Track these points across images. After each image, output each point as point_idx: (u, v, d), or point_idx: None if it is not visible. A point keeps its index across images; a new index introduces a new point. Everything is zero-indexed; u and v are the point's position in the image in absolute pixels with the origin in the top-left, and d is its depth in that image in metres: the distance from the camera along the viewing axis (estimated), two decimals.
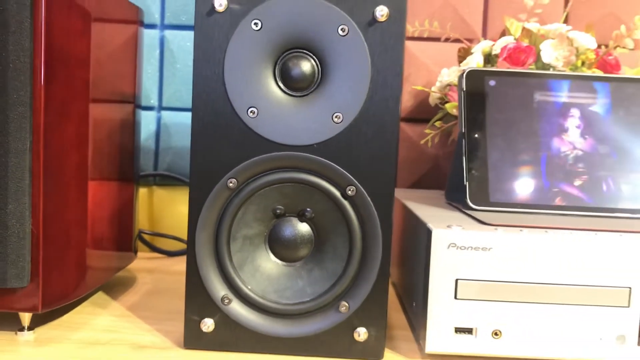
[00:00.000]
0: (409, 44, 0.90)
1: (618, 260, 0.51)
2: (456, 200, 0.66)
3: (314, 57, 0.52)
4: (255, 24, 0.50)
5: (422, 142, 0.80)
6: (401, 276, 0.69)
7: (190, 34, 0.90)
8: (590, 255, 0.51)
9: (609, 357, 0.52)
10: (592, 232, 0.52)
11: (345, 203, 0.52)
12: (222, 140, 0.51)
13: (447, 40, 0.82)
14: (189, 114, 0.90)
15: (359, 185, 0.51)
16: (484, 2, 0.89)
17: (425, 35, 0.82)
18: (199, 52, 0.51)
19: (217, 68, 0.51)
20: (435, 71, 0.88)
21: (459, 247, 0.52)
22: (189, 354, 0.52)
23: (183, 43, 0.90)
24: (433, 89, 0.82)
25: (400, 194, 0.77)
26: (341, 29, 0.51)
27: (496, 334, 0.52)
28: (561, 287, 0.52)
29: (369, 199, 0.52)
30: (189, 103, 0.90)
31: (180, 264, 0.83)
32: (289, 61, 0.51)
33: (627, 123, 0.65)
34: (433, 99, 0.83)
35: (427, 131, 0.79)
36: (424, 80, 0.89)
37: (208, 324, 0.52)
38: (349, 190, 0.52)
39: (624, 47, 0.70)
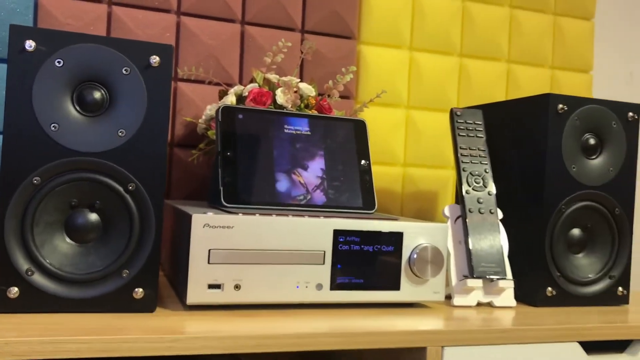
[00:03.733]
0: (180, 84, 1.12)
1: (316, 234, 0.78)
2: (215, 203, 0.87)
3: (104, 88, 0.70)
4: (59, 62, 0.68)
5: (190, 159, 1.01)
6: (172, 265, 0.88)
7: None
8: (298, 231, 0.77)
9: (313, 298, 0.78)
10: (299, 216, 0.78)
11: (127, 196, 0.71)
12: (30, 147, 0.67)
13: (210, 83, 1.05)
14: None
15: (138, 182, 0.71)
16: (239, 56, 1.15)
17: (192, 78, 1.04)
18: (12, 81, 0.66)
19: (27, 93, 0.67)
20: (202, 107, 1.11)
21: (211, 227, 0.73)
22: None
23: None
24: (200, 120, 1.04)
25: (173, 203, 0.96)
26: (125, 70, 0.70)
27: (237, 287, 0.74)
28: (280, 252, 0.76)
29: (145, 192, 0.71)
30: None
31: None
32: (84, 90, 0.69)
33: (332, 148, 0.94)
34: (200, 128, 1.05)
35: (193, 152, 1.01)
36: (193, 113, 1.11)
37: (13, 292, 0.66)
38: (130, 186, 0.70)
39: (330, 96, 1.00)
